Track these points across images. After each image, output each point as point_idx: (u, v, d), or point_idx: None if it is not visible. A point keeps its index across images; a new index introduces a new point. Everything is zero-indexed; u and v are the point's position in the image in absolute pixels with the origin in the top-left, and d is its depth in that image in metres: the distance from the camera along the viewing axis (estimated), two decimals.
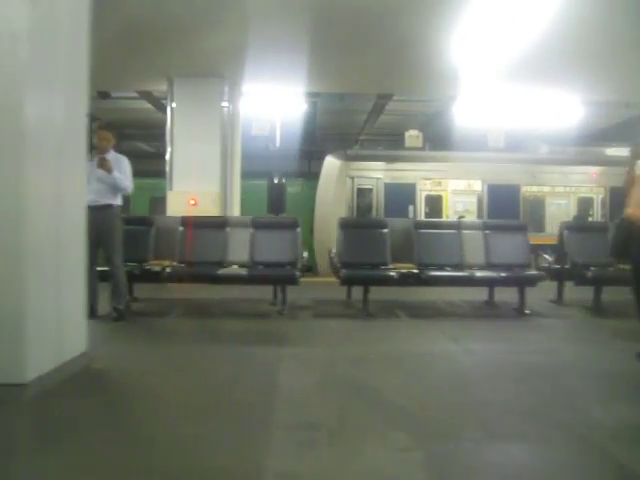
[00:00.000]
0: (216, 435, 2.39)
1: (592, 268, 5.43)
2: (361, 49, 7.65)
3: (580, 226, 6.37)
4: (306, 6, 6.46)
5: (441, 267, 5.57)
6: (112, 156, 4.78)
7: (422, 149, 10.37)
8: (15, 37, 2.67)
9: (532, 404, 2.84)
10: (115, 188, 4.76)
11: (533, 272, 5.60)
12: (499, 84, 8.20)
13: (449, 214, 10.92)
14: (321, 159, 15.12)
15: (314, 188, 13.89)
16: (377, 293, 5.54)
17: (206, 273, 5.26)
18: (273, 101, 9.10)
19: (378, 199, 10.14)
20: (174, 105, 8.00)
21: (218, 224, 5.72)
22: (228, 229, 5.67)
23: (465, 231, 5.79)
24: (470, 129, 9.72)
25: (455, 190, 10.92)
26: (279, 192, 12.55)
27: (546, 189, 10.40)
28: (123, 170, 4.81)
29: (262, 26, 7.00)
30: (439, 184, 10.30)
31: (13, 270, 2.72)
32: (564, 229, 5.88)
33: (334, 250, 5.56)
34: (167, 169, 7.98)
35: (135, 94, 11.65)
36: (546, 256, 6.27)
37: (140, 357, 3.72)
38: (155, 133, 16.81)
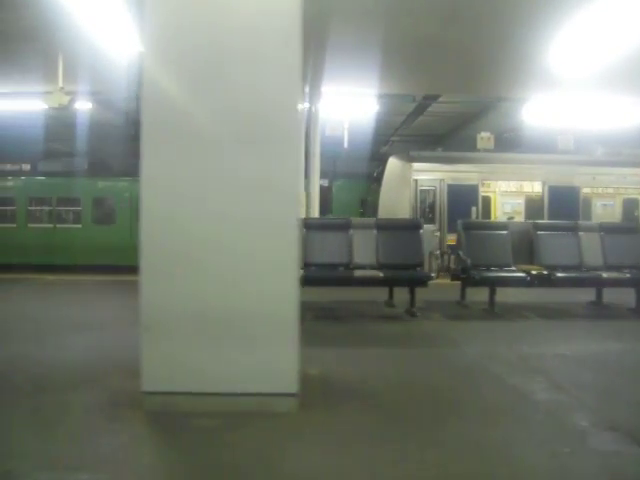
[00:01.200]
0: (531, 437, 2.40)
1: None
2: (443, 52, 7.73)
3: None
4: (384, 11, 6.53)
5: (556, 268, 5.64)
6: None
7: (479, 150, 10.47)
8: (287, 34, 2.64)
9: None
10: None
11: None
12: (572, 89, 8.33)
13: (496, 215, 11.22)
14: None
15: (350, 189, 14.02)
16: (475, 295, 5.68)
17: (342, 275, 5.24)
18: (345, 102, 9.10)
19: (441, 200, 10.21)
20: None
21: (341, 226, 5.69)
22: (351, 231, 5.65)
23: (581, 233, 5.88)
24: (536, 130, 9.86)
25: (506, 192, 11.08)
26: (325, 193, 12.54)
27: (608, 191, 10.59)
28: None
29: (342, 28, 7.04)
30: (502, 185, 10.44)
31: (290, 274, 2.68)
32: None
33: (460, 252, 5.57)
34: None
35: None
36: None
37: (334, 361, 3.69)
38: None
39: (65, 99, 6.59)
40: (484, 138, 9.61)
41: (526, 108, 9.06)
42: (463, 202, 9.96)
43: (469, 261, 5.35)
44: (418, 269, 5.48)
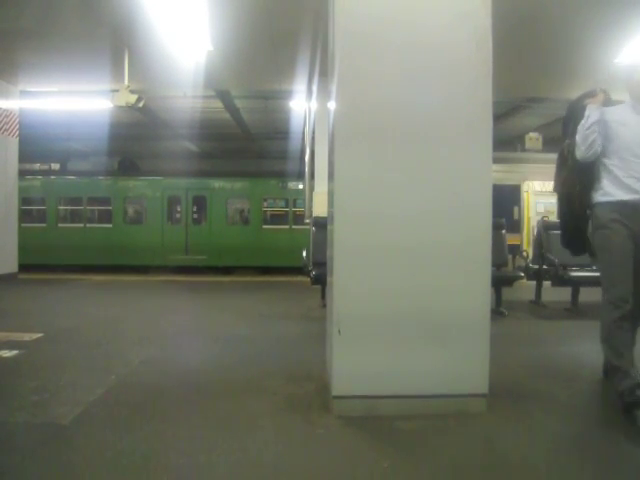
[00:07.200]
0: None
1: None
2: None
3: None
4: None
5: None
6: None
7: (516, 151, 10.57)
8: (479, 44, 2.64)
9: None
10: None
11: None
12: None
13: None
14: None
15: None
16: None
17: None
18: None
19: None
20: (314, 104, 7.88)
21: None
22: None
23: None
24: None
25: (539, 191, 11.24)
26: None
27: None
28: None
29: None
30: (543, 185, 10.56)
31: (482, 273, 2.67)
32: None
33: (549, 253, 5.60)
34: (306, 169, 7.87)
35: (206, 93, 11.38)
36: None
37: None
38: (206, 133, 16.58)
39: (132, 98, 6.49)
40: (532, 138, 9.65)
41: None
42: (505, 202, 10.03)
43: (557, 261, 5.39)
44: (502, 269, 5.51)
